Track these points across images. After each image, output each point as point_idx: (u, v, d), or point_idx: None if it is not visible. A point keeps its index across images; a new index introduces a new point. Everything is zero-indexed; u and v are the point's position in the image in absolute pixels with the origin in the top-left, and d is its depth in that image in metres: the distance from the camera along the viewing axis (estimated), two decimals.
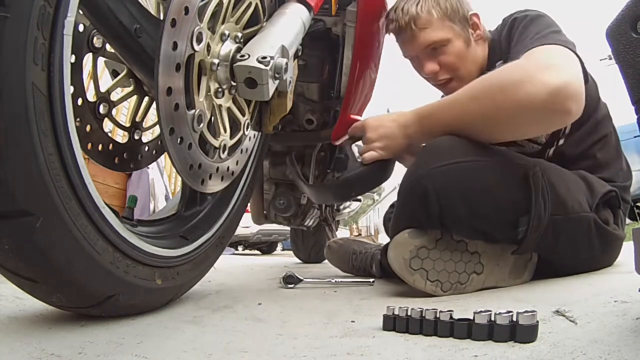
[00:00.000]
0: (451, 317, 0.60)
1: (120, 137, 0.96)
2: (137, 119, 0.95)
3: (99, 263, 0.62)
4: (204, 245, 0.91)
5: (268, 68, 0.70)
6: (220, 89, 0.73)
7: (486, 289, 0.97)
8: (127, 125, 0.94)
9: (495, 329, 0.56)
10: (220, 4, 0.69)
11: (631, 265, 0.51)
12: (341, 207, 2.62)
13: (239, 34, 0.75)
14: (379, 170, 1.11)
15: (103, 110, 0.85)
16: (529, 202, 0.90)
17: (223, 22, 0.71)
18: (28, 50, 0.50)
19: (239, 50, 0.73)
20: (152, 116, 0.92)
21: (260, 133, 1.01)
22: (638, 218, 3.59)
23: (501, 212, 0.91)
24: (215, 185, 0.80)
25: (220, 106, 0.74)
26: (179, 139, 0.66)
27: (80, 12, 0.70)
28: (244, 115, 0.81)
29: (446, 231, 0.94)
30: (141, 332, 0.66)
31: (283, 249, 8.31)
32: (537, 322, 0.55)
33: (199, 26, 0.64)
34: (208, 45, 0.68)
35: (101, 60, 0.88)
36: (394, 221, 1.04)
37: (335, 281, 1.26)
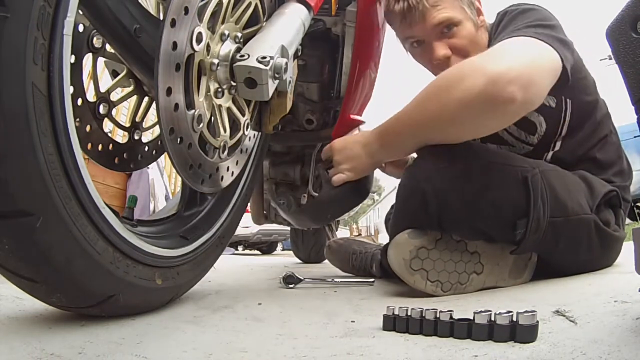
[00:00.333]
0: (451, 317, 0.60)
1: (120, 137, 0.96)
2: (137, 119, 0.95)
3: (99, 263, 0.62)
4: (204, 245, 0.91)
5: (268, 68, 0.70)
6: (220, 89, 0.73)
7: (486, 289, 0.97)
8: (127, 125, 0.94)
9: (495, 329, 0.56)
10: (220, 4, 0.69)
11: (631, 265, 0.51)
12: None
13: (239, 34, 0.75)
14: (351, 193, 1.11)
15: (103, 110, 0.85)
16: (528, 205, 0.90)
17: (223, 22, 0.71)
18: (28, 50, 0.50)
19: (238, 50, 0.73)
20: (152, 116, 0.92)
21: (260, 133, 1.01)
22: (638, 218, 3.59)
23: (500, 214, 0.91)
24: (215, 185, 0.80)
25: (220, 106, 0.74)
26: (178, 139, 0.66)
27: (80, 12, 0.70)
28: (243, 115, 0.81)
29: (445, 232, 0.94)
30: (141, 332, 0.66)
31: (283, 249, 8.30)
32: (537, 322, 0.55)
33: (199, 26, 0.64)
34: (208, 45, 0.68)
35: (101, 60, 0.88)
36: (393, 222, 1.04)
37: (335, 281, 1.26)
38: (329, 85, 1.34)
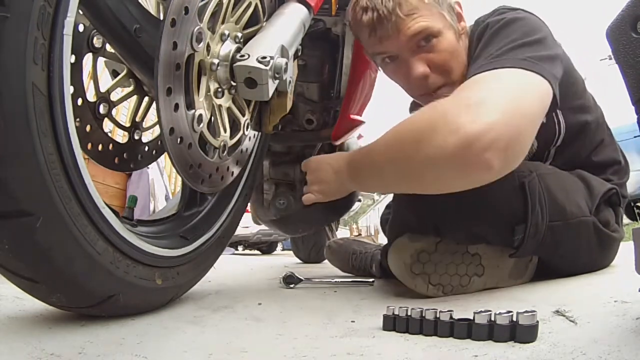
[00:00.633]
0: (451, 317, 0.60)
1: (120, 137, 0.96)
2: (137, 119, 0.95)
3: (99, 263, 0.62)
4: (204, 245, 0.91)
5: (268, 68, 0.70)
6: (220, 89, 0.73)
7: (486, 289, 0.97)
8: (127, 125, 0.94)
9: (495, 329, 0.56)
10: (220, 4, 0.69)
11: (631, 265, 0.50)
12: None
13: (239, 34, 0.75)
14: (322, 212, 1.10)
15: (103, 110, 0.85)
16: (526, 211, 0.88)
17: (223, 22, 0.71)
18: (28, 50, 0.50)
19: (238, 50, 0.73)
20: (152, 116, 0.92)
21: (260, 133, 1.01)
22: (638, 218, 3.59)
23: (497, 220, 0.91)
24: (215, 185, 0.80)
25: (220, 106, 0.74)
26: (178, 139, 0.66)
27: (80, 12, 0.70)
28: (244, 115, 0.81)
29: (443, 238, 0.94)
30: (141, 332, 0.66)
31: (283, 249, 8.30)
32: (537, 322, 0.55)
33: (199, 26, 0.64)
34: (208, 45, 0.68)
35: (101, 60, 0.88)
36: (391, 227, 1.03)
37: (335, 281, 1.26)
38: (329, 85, 1.33)
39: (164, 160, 4.32)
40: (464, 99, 0.74)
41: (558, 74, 0.84)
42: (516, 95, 0.74)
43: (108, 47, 0.85)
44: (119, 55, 0.80)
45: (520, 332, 0.54)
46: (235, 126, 0.81)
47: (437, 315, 0.61)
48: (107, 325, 0.67)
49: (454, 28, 0.96)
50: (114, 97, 0.89)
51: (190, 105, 0.67)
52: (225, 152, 0.79)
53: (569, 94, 0.97)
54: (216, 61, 0.70)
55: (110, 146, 0.87)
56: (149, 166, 3.77)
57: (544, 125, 0.96)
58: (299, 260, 2.85)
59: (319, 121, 1.37)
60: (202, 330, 0.70)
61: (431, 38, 0.93)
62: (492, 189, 0.84)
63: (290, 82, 0.79)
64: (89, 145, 0.82)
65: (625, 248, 1.09)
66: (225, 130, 0.77)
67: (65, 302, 0.64)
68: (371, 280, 1.23)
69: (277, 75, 0.72)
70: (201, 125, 0.69)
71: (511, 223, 0.90)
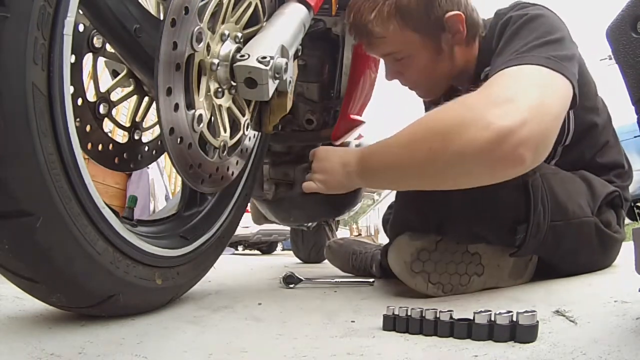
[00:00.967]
0: (451, 317, 0.60)
1: (120, 137, 0.96)
2: (137, 119, 0.95)
3: (99, 263, 0.62)
4: (204, 245, 0.91)
5: (268, 68, 0.70)
6: (220, 89, 0.73)
7: (486, 289, 0.97)
8: (127, 125, 0.94)
9: (495, 329, 0.56)
10: (220, 4, 0.69)
11: (631, 265, 0.51)
12: None
13: (239, 34, 0.75)
14: (320, 204, 1.06)
15: (103, 110, 0.85)
16: (528, 210, 0.88)
17: (223, 22, 0.71)
18: (28, 50, 0.50)
19: (238, 50, 0.73)
20: (152, 116, 0.92)
21: (260, 133, 1.01)
22: (638, 218, 3.59)
23: (499, 219, 0.90)
24: (215, 185, 0.80)
25: (220, 106, 0.74)
26: (178, 139, 0.66)
27: (80, 12, 0.70)
28: (244, 115, 0.81)
29: (445, 237, 0.94)
30: (141, 332, 0.66)
31: (283, 249, 8.30)
32: (537, 322, 0.55)
33: (199, 26, 0.64)
34: (208, 45, 0.68)
35: (101, 60, 0.88)
36: (392, 226, 1.03)
37: (335, 281, 1.26)
38: (329, 85, 1.33)
39: (164, 160, 4.33)
40: (493, 95, 0.75)
41: (577, 73, 0.84)
42: (542, 93, 0.75)
43: (108, 47, 0.85)
44: (119, 55, 0.80)
45: (520, 332, 0.54)
46: (235, 126, 0.81)
47: (437, 315, 0.61)
48: (107, 325, 0.67)
49: (431, 47, 1.01)
50: (114, 97, 0.89)
51: (190, 105, 0.67)
52: (225, 152, 0.79)
53: (581, 94, 0.96)
54: (216, 61, 0.70)
55: (110, 146, 0.87)
56: (149, 166, 3.77)
57: None
58: (299, 260, 2.85)
59: (319, 121, 1.37)
60: (202, 330, 0.70)
61: (399, 58, 1.03)
62: (495, 188, 0.84)
63: (290, 82, 0.79)
64: (89, 145, 0.82)
65: (626, 248, 1.10)
66: (225, 130, 0.77)
67: (65, 302, 0.64)
68: (371, 280, 1.23)
69: (277, 75, 0.72)
70: (201, 125, 0.69)
71: (513, 222, 0.90)
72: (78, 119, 0.79)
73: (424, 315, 0.62)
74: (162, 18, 0.65)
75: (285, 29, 0.80)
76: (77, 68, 0.78)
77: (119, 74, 0.90)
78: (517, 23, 0.92)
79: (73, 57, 0.76)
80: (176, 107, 0.63)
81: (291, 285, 1.20)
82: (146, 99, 0.95)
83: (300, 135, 1.39)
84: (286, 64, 0.74)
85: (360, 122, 1.45)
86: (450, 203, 0.89)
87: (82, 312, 0.68)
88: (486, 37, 1.03)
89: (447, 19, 0.98)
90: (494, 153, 0.70)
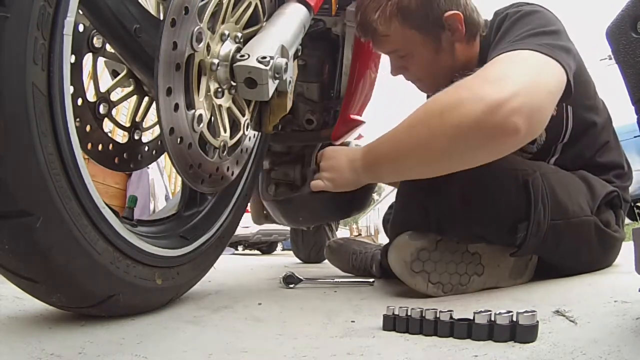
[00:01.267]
0: (451, 317, 0.60)
1: (120, 137, 0.96)
2: (137, 119, 0.95)
3: (99, 263, 0.62)
4: (204, 245, 0.91)
5: (268, 68, 0.70)
6: (220, 89, 0.73)
7: (486, 289, 0.97)
8: (127, 125, 0.94)
9: (495, 329, 0.56)
10: (220, 4, 0.69)
11: (631, 265, 0.51)
12: None
13: (239, 34, 0.75)
14: (328, 204, 1.07)
15: (103, 110, 0.85)
16: (529, 208, 0.89)
17: (223, 22, 0.71)
18: (28, 50, 0.50)
19: (238, 50, 0.73)
20: (152, 116, 0.92)
21: (260, 133, 1.01)
22: (638, 218, 3.59)
23: (500, 218, 0.91)
24: (215, 185, 0.80)
25: (220, 106, 0.74)
26: (178, 139, 0.66)
27: (80, 12, 0.70)
28: (244, 115, 0.81)
29: (445, 236, 0.94)
30: (141, 332, 0.66)
31: (283, 249, 8.30)
32: (537, 322, 0.55)
33: (199, 26, 0.64)
34: (208, 45, 0.68)
35: (101, 60, 0.88)
36: (392, 225, 1.03)
37: (335, 281, 1.26)
38: (329, 85, 1.33)
39: (164, 160, 4.33)
40: (487, 75, 0.79)
41: (572, 65, 0.86)
42: (535, 72, 0.78)
43: (108, 47, 0.85)
44: (119, 55, 0.80)
45: (520, 332, 0.54)
46: (235, 126, 0.81)
47: (437, 315, 0.61)
48: (107, 325, 0.67)
49: (431, 44, 1.05)
50: (114, 97, 0.89)
51: (190, 105, 0.67)
52: (225, 152, 0.79)
53: (580, 92, 1.00)
54: (216, 61, 0.70)
55: (110, 146, 0.87)
56: (149, 166, 3.77)
57: (554, 118, 1.01)
58: (299, 260, 2.85)
59: (319, 121, 1.37)
60: (202, 330, 0.70)
61: (402, 55, 1.08)
62: (496, 186, 0.85)
63: (290, 82, 0.79)
64: (89, 145, 0.82)
65: (626, 248, 1.10)
66: (225, 130, 0.77)
67: (65, 302, 0.64)
68: (371, 280, 1.23)
69: (277, 75, 0.72)
70: (201, 125, 0.69)
71: (514, 221, 0.91)
72: (78, 119, 0.79)
73: (424, 315, 0.62)
74: (162, 18, 0.65)
75: (285, 29, 0.80)
76: (77, 68, 0.78)
77: (119, 74, 0.90)
78: (513, 18, 0.96)
79: (73, 57, 0.76)
80: (176, 107, 0.63)
81: (291, 285, 1.20)
82: (146, 99, 0.95)
83: (300, 135, 1.39)
84: (286, 64, 0.74)
85: (360, 122, 1.45)
86: (451, 203, 0.90)
87: (82, 312, 0.68)
88: (486, 36, 1.07)
89: (446, 18, 1.02)
90: (488, 122, 0.72)
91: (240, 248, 6.92)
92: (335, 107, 1.36)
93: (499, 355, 0.50)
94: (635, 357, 0.45)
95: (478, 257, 0.96)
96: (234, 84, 0.73)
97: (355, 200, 1.12)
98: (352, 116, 1.38)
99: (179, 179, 1.90)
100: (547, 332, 0.57)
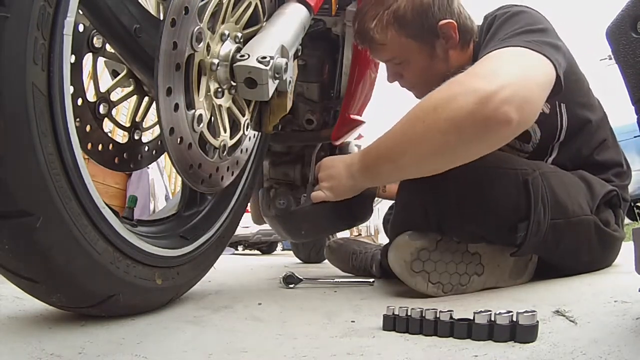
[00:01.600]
0: (451, 317, 0.60)
1: (120, 137, 0.96)
2: (137, 119, 0.95)
3: (99, 263, 0.62)
4: (204, 245, 0.91)
5: (268, 68, 0.70)
6: (220, 89, 0.73)
7: (486, 289, 0.97)
8: (127, 125, 0.94)
9: (495, 329, 0.56)
10: (220, 4, 0.69)
11: (631, 265, 0.51)
12: None
13: (239, 34, 0.75)
14: (329, 214, 1.07)
15: (103, 110, 0.85)
16: (529, 208, 0.89)
17: (223, 22, 0.71)
18: (28, 50, 0.50)
19: (238, 50, 0.73)
20: (152, 116, 0.92)
21: (260, 133, 1.01)
22: (638, 218, 3.59)
23: (500, 217, 0.91)
24: (215, 185, 0.80)
25: (220, 106, 0.74)
26: (178, 139, 0.65)
27: (80, 12, 0.70)
28: (244, 115, 0.81)
29: (445, 236, 0.94)
30: (141, 332, 0.66)
31: (283, 249, 8.30)
32: (537, 322, 0.55)
33: (199, 26, 0.64)
34: (208, 45, 0.68)
35: (101, 60, 0.88)
36: (393, 225, 1.03)
37: (336, 281, 1.26)
38: (329, 85, 1.33)
39: (164, 160, 4.33)
40: (477, 71, 0.81)
41: (561, 62, 0.87)
42: (524, 67, 0.81)
43: (108, 47, 0.85)
44: (119, 55, 0.80)
45: (520, 332, 0.54)
46: (235, 126, 0.81)
47: (437, 315, 0.61)
48: (107, 325, 0.67)
49: (426, 52, 1.07)
50: (114, 97, 0.89)
51: (190, 105, 0.67)
52: (225, 152, 0.79)
53: (573, 89, 1.02)
54: (216, 61, 0.70)
55: (110, 146, 0.87)
56: (149, 166, 3.77)
57: (548, 116, 1.04)
58: (299, 260, 2.85)
59: (319, 121, 1.37)
60: (202, 330, 0.70)
61: (398, 63, 1.10)
62: (496, 186, 0.85)
63: (290, 82, 0.79)
64: (89, 145, 0.82)
65: (626, 248, 1.10)
66: (225, 130, 0.77)
67: (65, 302, 0.64)
68: (371, 280, 1.23)
69: (277, 75, 0.72)
70: (201, 125, 0.69)
71: (514, 220, 0.91)
72: (78, 119, 0.79)
73: (424, 315, 0.62)
74: (162, 18, 0.65)
75: (285, 29, 0.80)
76: (77, 68, 0.78)
77: (119, 74, 0.90)
78: (502, 19, 0.98)
79: (73, 57, 0.76)
80: (176, 107, 0.63)
81: (291, 285, 1.20)
82: (146, 99, 0.95)
83: (300, 135, 1.39)
84: (286, 64, 0.74)
85: (360, 122, 1.45)
86: (451, 203, 0.90)
87: (82, 312, 0.68)
88: (479, 41, 1.09)
89: (440, 26, 1.04)
90: (481, 113, 0.74)
91: (240, 248, 6.92)
92: (335, 107, 1.36)
93: (499, 355, 0.50)
94: (635, 357, 0.45)
95: (478, 257, 0.96)
96: (234, 84, 0.73)
97: (356, 209, 1.12)
98: (352, 116, 1.38)
99: (179, 179, 1.90)
100: (547, 332, 0.57)
